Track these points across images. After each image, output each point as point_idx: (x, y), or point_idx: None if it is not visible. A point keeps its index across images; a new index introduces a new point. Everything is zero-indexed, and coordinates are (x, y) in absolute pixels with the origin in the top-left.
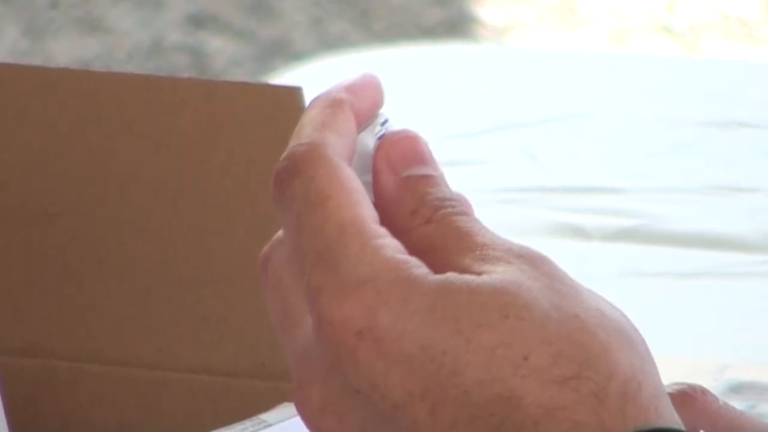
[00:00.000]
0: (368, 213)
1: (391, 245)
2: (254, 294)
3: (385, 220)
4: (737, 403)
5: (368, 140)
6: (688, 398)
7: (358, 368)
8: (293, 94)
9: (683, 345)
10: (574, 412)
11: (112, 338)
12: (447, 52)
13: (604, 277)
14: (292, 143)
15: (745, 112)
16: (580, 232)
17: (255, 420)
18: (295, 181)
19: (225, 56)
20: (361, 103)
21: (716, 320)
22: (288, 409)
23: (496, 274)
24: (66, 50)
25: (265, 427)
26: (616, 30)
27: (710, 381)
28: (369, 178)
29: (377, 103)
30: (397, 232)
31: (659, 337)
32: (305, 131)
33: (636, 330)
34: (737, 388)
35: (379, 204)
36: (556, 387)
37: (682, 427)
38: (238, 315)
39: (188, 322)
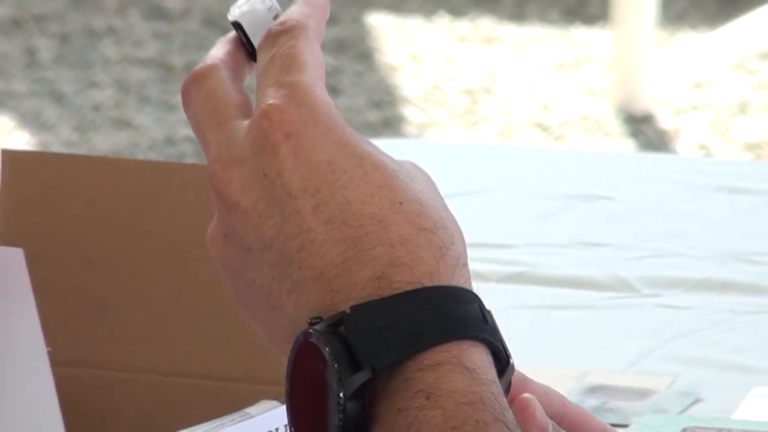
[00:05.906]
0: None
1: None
2: (243, 319)
3: None
4: (592, 401)
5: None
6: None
7: (275, 158)
8: None
9: (556, 358)
10: (423, 250)
11: (138, 352)
12: (381, 145)
13: (498, 309)
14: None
15: (600, 188)
16: (479, 276)
17: (240, 412)
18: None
19: None
20: None
21: (579, 340)
22: (267, 404)
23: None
24: (104, 142)
25: (249, 418)
26: (506, 126)
27: (574, 384)
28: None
29: None
30: None
31: (539, 353)
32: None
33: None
34: (593, 390)
35: None
36: (416, 230)
37: (476, 295)
38: (231, 334)
39: (194, 340)
